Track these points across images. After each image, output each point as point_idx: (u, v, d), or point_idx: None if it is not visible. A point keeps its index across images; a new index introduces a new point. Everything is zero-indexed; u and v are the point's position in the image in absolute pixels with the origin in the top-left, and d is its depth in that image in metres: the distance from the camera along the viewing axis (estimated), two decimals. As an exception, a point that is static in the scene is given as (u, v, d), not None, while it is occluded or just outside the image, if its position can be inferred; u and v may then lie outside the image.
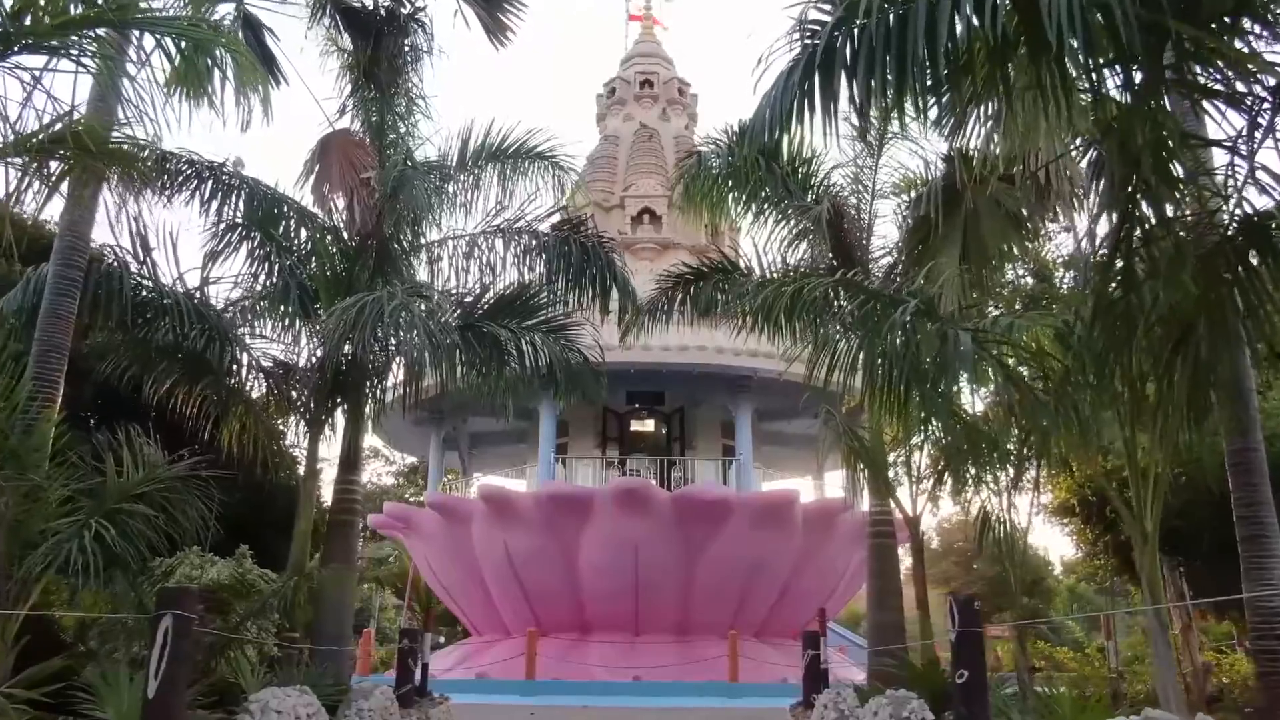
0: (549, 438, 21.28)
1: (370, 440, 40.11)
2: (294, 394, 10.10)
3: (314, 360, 9.74)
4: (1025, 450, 7.01)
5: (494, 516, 20.00)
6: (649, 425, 24.81)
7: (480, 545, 20.42)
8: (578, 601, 19.69)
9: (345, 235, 10.36)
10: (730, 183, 11.13)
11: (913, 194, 11.04)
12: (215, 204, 10.98)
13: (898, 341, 6.01)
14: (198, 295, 9.43)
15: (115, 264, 8.67)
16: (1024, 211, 8.05)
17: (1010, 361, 6.43)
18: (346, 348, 9.58)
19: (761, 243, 12.04)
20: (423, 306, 7.99)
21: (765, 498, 20.12)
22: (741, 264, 12.17)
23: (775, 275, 12.25)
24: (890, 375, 6.95)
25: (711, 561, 19.12)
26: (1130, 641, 13.53)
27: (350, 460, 10.75)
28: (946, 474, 8.33)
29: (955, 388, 7.05)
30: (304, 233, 10.89)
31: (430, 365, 9.66)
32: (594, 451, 23.14)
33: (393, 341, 8.35)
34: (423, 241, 11.51)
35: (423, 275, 11.44)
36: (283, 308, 9.85)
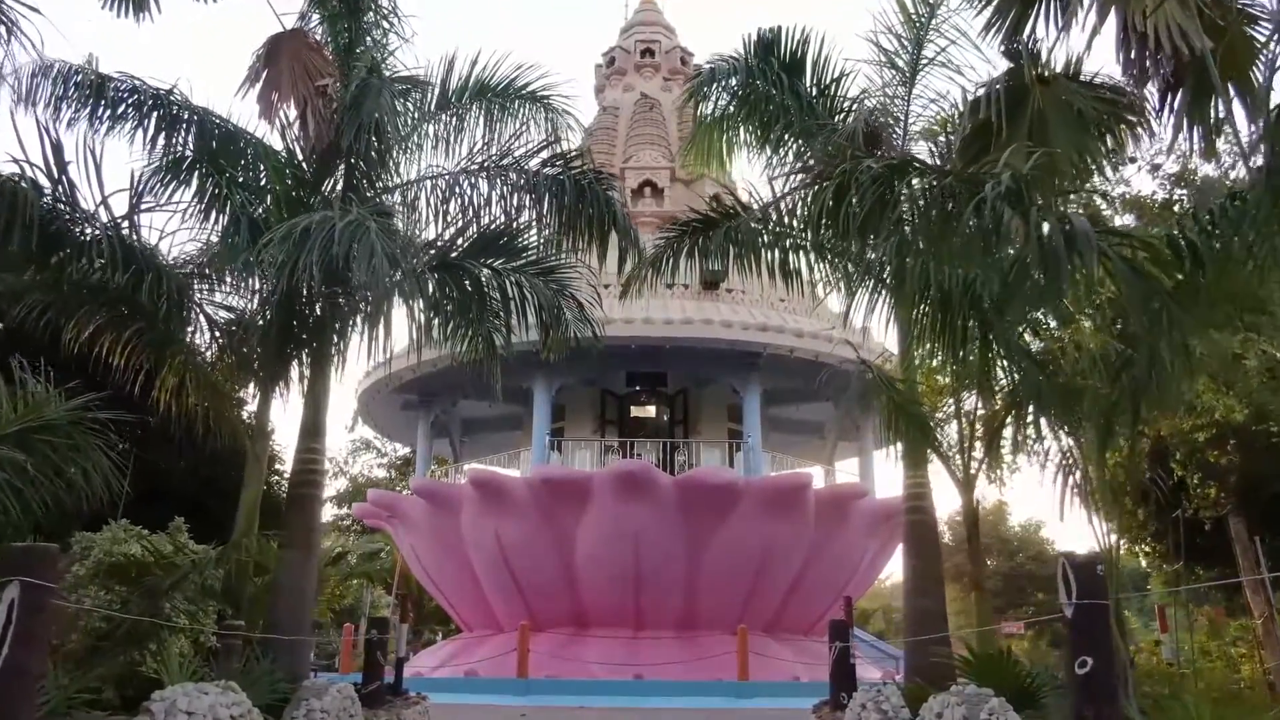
0: (543, 420, 19.94)
1: (361, 431, 38.91)
2: (245, 346, 8.73)
3: (264, 297, 8.34)
4: (1121, 395, 5.64)
5: (484, 503, 18.70)
6: (650, 411, 23.49)
7: (470, 534, 19.14)
8: (574, 594, 18.41)
9: (301, 160, 8.99)
10: (745, 111, 9.79)
11: (948, 129, 9.71)
12: (162, 139, 9.69)
13: (973, 240, 4.64)
14: (126, 226, 8.05)
15: (20, 181, 7.28)
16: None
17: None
18: (304, 291, 8.25)
19: (780, 188, 10.78)
20: (376, 227, 6.59)
21: (775, 482, 18.79)
22: (756, 209, 10.85)
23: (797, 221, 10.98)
24: (954, 297, 5.60)
25: (718, 551, 17.86)
26: (1187, 636, 12.21)
27: (313, 425, 9.38)
28: (1012, 428, 6.95)
29: (1045, 310, 5.71)
30: (260, 166, 9.55)
31: (399, 306, 8.31)
32: (592, 437, 21.81)
33: (351, 271, 6.92)
34: (398, 179, 10.17)
35: (397, 221, 10.09)
36: (232, 240, 8.48)
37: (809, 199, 5.89)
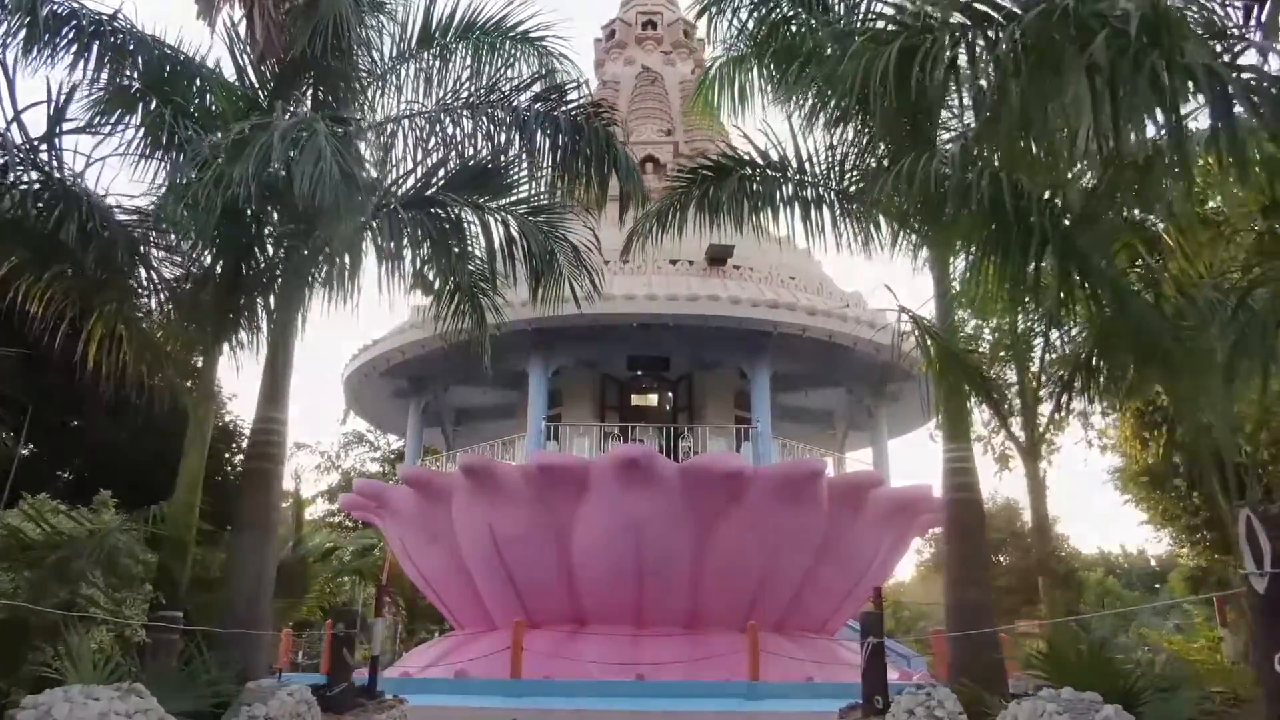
0: (539, 405, 18.78)
1: (354, 423, 37.78)
2: (188, 295, 7.59)
3: (200, 231, 7.17)
4: (1250, 331, 4.49)
5: (477, 492, 17.53)
6: (652, 400, 22.35)
7: (461, 526, 17.97)
8: (572, 589, 17.24)
9: (257, 88, 7.86)
10: (765, 33, 8.67)
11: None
12: (105, 73, 8.59)
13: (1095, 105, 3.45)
14: (45, 151, 6.91)
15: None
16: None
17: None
18: (251, 227, 7.09)
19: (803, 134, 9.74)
20: (325, 129, 5.43)
21: (786, 470, 17.60)
22: (774, 155, 9.78)
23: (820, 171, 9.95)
24: (1032, 210, 4.46)
25: (725, 543, 16.70)
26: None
27: (272, 390, 8.27)
28: (1084, 379, 5.80)
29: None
30: (211, 96, 8.43)
31: (368, 255, 7.16)
32: (591, 422, 20.65)
33: (298, 182, 5.73)
34: (373, 118, 9.05)
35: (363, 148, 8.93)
36: (181, 177, 7.33)
37: (862, 70, 4.68)
